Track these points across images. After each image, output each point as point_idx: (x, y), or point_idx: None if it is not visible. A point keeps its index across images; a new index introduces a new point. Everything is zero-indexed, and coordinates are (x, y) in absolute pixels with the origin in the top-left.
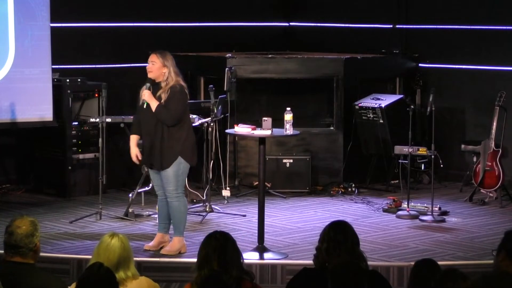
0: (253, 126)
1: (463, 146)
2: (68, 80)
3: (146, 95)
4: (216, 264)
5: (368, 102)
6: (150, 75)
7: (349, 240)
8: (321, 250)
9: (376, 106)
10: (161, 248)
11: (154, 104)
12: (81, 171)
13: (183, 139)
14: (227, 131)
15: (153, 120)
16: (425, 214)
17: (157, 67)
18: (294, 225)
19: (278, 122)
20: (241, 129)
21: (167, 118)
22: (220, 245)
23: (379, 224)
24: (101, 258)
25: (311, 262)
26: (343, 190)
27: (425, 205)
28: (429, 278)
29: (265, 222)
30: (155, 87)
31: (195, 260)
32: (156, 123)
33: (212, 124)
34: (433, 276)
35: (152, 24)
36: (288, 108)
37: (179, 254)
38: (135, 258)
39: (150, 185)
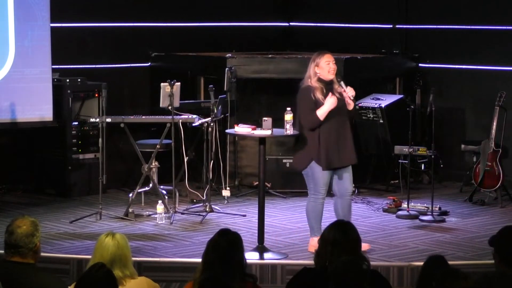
0: (253, 126)
1: (463, 146)
2: (68, 80)
3: (354, 92)
4: (219, 264)
5: (368, 102)
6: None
7: (350, 240)
8: (321, 250)
9: (376, 106)
10: None
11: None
12: (81, 171)
13: None
14: (227, 131)
15: (344, 118)
16: (425, 214)
17: None
18: (294, 225)
19: (278, 122)
20: (241, 129)
21: (355, 115)
22: (225, 245)
23: (379, 224)
24: (96, 256)
25: (311, 262)
26: None
27: (425, 205)
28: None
29: (265, 222)
30: (327, 86)
31: (195, 260)
32: (345, 120)
33: (212, 124)
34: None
35: (152, 24)
36: (288, 108)
37: None
38: (135, 258)
39: (150, 185)
